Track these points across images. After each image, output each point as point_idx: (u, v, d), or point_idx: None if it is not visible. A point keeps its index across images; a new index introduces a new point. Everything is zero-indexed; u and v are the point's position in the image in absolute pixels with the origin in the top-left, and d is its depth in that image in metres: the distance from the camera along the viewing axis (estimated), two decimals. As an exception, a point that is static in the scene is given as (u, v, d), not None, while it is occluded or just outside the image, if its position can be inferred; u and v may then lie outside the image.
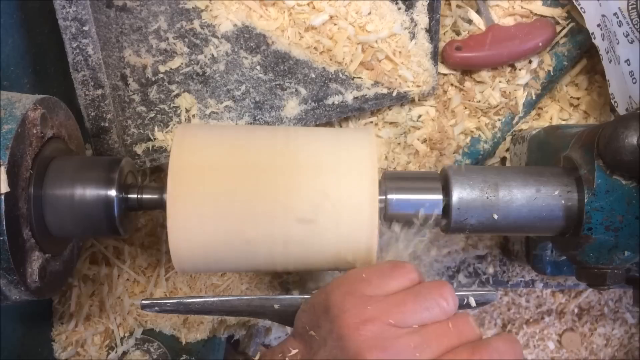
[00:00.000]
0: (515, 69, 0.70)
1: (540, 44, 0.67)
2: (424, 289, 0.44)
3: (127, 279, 0.72)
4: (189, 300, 0.57)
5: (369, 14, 0.65)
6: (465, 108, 0.70)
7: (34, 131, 0.48)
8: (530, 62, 0.70)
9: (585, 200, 0.48)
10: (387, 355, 0.39)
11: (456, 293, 0.48)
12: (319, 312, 0.44)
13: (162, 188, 0.51)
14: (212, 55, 0.64)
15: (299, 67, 0.65)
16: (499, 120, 0.70)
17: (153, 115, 0.64)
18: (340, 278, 0.46)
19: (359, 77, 0.66)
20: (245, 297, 0.52)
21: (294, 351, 0.45)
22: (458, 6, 0.71)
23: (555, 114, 0.72)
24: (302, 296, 0.49)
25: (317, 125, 0.66)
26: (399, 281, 0.44)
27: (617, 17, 0.61)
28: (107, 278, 0.71)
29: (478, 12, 0.70)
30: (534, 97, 0.70)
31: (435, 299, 0.43)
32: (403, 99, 0.67)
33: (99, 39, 0.59)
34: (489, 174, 0.50)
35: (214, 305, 0.52)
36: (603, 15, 0.63)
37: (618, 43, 0.61)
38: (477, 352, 0.40)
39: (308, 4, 0.65)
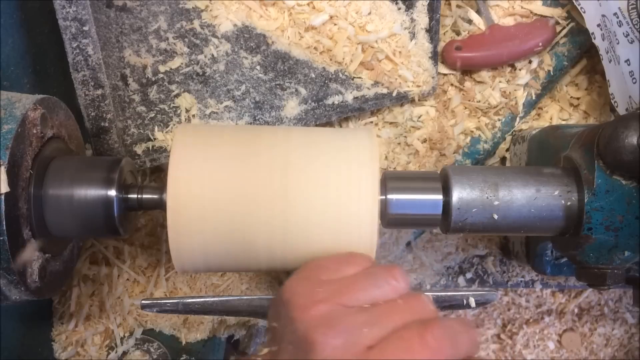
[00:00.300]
0: (515, 69, 0.70)
1: (540, 44, 0.67)
2: (374, 269, 0.44)
3: (127, 279, 0.72)
4: (189, 300, 0.57)
5: (369, 14, 0.65)
6: (465, 108, 0.70)
7: (34, 131, 0.48)
8: (530, 62, 0.70)
9: (585, 200, 0.48)
10: (335, 333, 0.39)
11: (456, 293, 0.48)
12: (278, 302, 0.44)
13: (162, 188, 0.51)
14: (212, 55, 0.64)
15: (299, 67, 0.65)
16: (499, 120, 0.70)
17: (153, 115, 0.64)
18: (301, 267, 0.46)
19: (359, 77, 0.66)
20: (245, 297, 0.52)
21: (265, 350, 0.44)
22: (458, 6, 0.71)
23: (555, 114, 0.72)
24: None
25: (317, 125, 0.66)
26: (354, 267, 0.44)
27: (617, 17, 0.61)
28: (107, 278, 0.71)
29: (478, 12, 0.70)
30: (534, 97, 0.70)
31: (386, 278, 0.42)
32: (403, 99, 0.67)
33: (99, 39, 0.59)
34: (489, 174, 0.50)
35: (214, 305, 0.52)
36: (603, 15, 0.63)
37: (618, 43, 0.61)
38: (429, 329, 0.38)
39: (308, 4, 0.65)
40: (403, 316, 0.40)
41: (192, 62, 0.64)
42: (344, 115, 0.66)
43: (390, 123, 0.70)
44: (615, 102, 0.63)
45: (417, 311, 0.41)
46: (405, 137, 0.69)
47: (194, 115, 0.64)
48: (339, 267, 0.44)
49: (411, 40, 0.67)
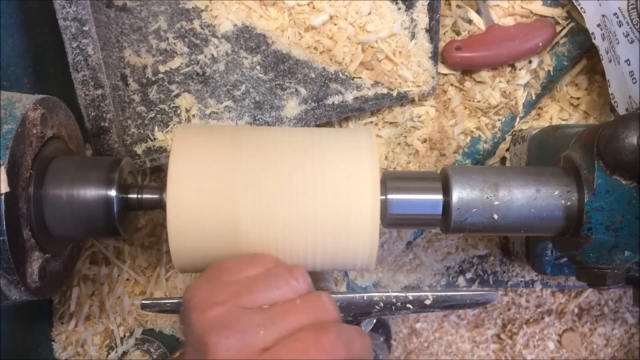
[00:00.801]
0: (515, 69, 0.70)
1: (540, 44, 0.67)
2: (275, 270, 0.43)
3: (127, 279, 0.72)
4: (189, 300, 0.57)
5: (369, 14, 0.65)
6: (465, 108, 0.70)
7: (34, 131, 0.48)
8: (530, 62, 0.70)
9: (585, 200, 0.48)
10: (229, 333, 0.38)
11: (456, 293, 0.48)
12: (183, 305, 0.43)
13: (162, 188, 0.51)
14: (212, 55, 0.64)
15: (299, 67, 0.65)
16: (499, 120, 0.70)
17: (153, 115, 0.64)
18: (205, 269, 0.45)
19: (359, 77, 0.66)
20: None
21: (177, 353, 0.44)
22: (458, 6, 0.71)
23: (555, 114, 0.72)
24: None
25: (317, 125, 0.66)
26: (256, 268, 0.43)
27: (617, 17, 0.61)
28: (107, 278, 0.71)
29: (478, 12, 0.70)
30: (534, 97, 0.70)
31: (286, 279, 0.41)
32: (403, 99, 0.67)
33: (99, 39, 0.59)
34: (489, 174, 0.50)
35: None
36: (603, 15, 0.63)
37: (618, 43, 0.61)
38: (325, 332, 0.38)
39: (308, 4, 0.65)
40: (300, 317, 0.39)
41: (192, 62, 0.64)
42: (344, 115, 0.66)
43: (390, 123, 0.70)
44: (615, 102, 0.63)
45: (316, 312, 0.40)
46: (405, 137, 0.69)
47: (194, 115, 0.64)
48: (241, 268, 0.43)
49: (411, 40, 0.67)
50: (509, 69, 0.70)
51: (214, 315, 0.39)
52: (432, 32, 0.67)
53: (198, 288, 0.42)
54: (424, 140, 0.69)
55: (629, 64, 0.61)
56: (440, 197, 0.50)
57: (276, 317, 0.39)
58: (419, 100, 0.68)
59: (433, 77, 0.67)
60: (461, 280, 0.76)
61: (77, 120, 0.58)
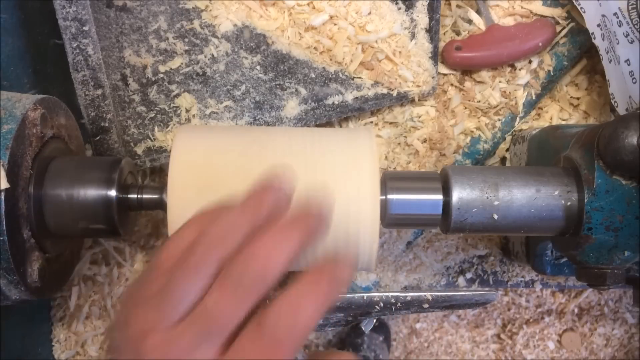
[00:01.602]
0: (515, 69, 0.70)
1: (540, 44, 0.67)
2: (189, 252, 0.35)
3: (127, 279, 0.72)
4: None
5: (369, 14, 0.65)
6: (465, 108, 0.70)
7: (34, 131, 0.48)
8: (530, 62, 0.70)
9: (585, 200, 0.48)
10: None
11: (456, 293, 0.48)
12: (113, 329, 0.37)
13: (162, 188, 0.51)
14: (212, 55, 0.64)
15: (299, 67, 0.65)
16: (499, 120, 0.70)
17: (153, 115, 0.64)
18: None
19: (359, 77, 0.66)
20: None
21: None
22: (458, 6, 0.71)
23: (555, 114, 0.72)
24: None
25: (317, 125, 0.66)
26: (167, 261, 0.36)
27: (617, 17, 0.61)
28: (107, 278, 0.71)
29: (478, 12, 0.70)
30: (534, 97, 0.70)
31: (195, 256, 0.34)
32: (403, 99, 0.67)
33: (99, 39, 0.59)
34: (489, 174, 0.50)
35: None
36: (603, 15, 0.63)
37: (618, 43, 0.61)
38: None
39: (308, 4, 0.65)
40: (230, 307, 0.33)
41: (192, 62, 0.64)
42: (344, 115, 0.66)
43: (390, 123, 0.70)
44: (615, 102, 0.63)
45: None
46: (405, 137, 0.69)
47: (194, 115, 0.64)
48: (153, 272, 0.36)
49: (411, 40, 0.67)
50: (509, 69, 0.70)
51: (147, 351, 0.33)
52: (432, 32, 0.67)
53: (122, 313, 0.36)
54: (424, 140, 0.69)
55: (629, 64, 0.61)
56: (440, 197, 0.50)
57: (204, 321, 0.32)
58: (419, 100, 0.68)
59: (433, 77, 0.67)
60: (461, 280, 0.76)
61: (77, 120, 0.58)
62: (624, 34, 0.61)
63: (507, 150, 0.71)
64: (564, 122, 0.72)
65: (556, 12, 0.69)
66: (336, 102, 0.66)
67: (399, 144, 0.70)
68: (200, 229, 0.35)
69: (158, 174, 0.70)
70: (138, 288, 0.36)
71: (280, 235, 0.34)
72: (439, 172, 0.52)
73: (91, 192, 0.50)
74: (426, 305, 0.56)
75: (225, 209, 0.36)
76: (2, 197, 0.44)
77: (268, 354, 0.32)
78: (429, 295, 0.55)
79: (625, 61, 0.61)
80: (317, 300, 0.33)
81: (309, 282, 0.33)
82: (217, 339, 0.32)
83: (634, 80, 0.61)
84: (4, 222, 0.44)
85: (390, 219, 0.50)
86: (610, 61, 0.63)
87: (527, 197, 0.49)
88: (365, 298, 0.48)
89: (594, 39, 0.64)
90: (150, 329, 0.33)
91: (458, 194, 0.49)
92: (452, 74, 0.70)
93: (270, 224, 0.35)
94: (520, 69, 0.70)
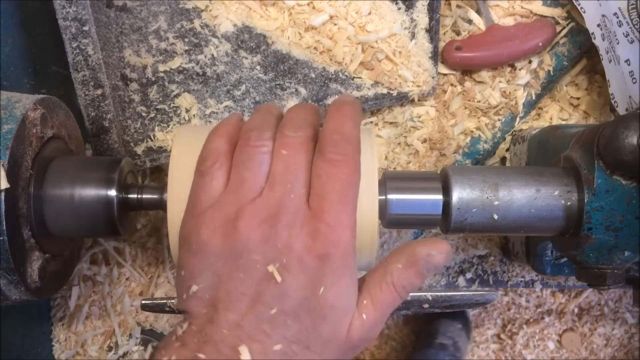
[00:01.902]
0: (515, 69, 0.70)
1: (540, 44, 0.67)
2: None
3: (127, 279, 0.72)
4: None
5: (369, 14, 0.65)
6: (465, 108, 0.70)
7: (34, 131, 0.48)
8: (530, 62, 0.70)
9: (585, 200, 0.48)
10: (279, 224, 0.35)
11: (456, 293, 0.48)
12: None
13: (162, 188, 0.51)
14: (212, 55, 0.64)
15: (299, 67, 0.65)
16: (499, 120, 0.70)
17: (153, 115, 0.64)
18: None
19: (359, 77, 0.66)
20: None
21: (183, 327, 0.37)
22: (458, 6, 0.71)
23: (555, 114, 0.72)
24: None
25: (317, 125, 0.66)
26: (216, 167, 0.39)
27: (617, 17, 0.61)
28: (107, 278, 0.71)
29: (478, 12, 0.70)
30: (534, 97, 0.70)
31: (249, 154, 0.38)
32: (403, 99, 0.67)
33: (99, 39, 0.59)
34: (489, 174, 0.50)
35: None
36: (603, 15, 0.63)
37: (618, 43, 0.61)
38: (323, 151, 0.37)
39: (308, 4, 0.65)
40: (298, 157, 0.37)
41: (192, 62, 0.64)
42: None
43: (390, 123, 0.70)
44: (615, 102, 0.63)
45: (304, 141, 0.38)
46: (405, 137, 0.69)
47: (194, 115, 0.64)
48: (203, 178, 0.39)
49: (411, 40, 0.67)
50: (509, 69, 0.70)
51: (258, 232, 0.35)
52: (432, 32, 0.67)
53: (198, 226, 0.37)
54: (424, 140, 0.69)
55: (629, 64, 0.61)
56: (440, 197, 0.50)
57: (283, 178, 0.36)
58: (419, 100, 0.68)
59: (433, 77, 0.67)
60: (461, 280, 0.76)
61: (77, 120, 0.58)
62: (624, 34, 0.61)
63: (507, 150, 0.71)
64: (564, 122, 0.72)
65: (556, 12, 0.70)
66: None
67: (399, 144, 0.70)
68: (232, 133, 0.40)
69: (158, 174, 0.70)
70: (195, 202, 0.38)
71: (296, 109, 0.41)
72: (439, 172, 0.52)
73: (91, 192, 0.50)
74: (426, 305, 0.56)
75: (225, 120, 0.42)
76: (2, 197, 0.44)
77: (339, 166, 0.36)
78: (428, 295, 0.55)
79: (625, 61, 0.61)
80: (349, 117, 0.39)
81: (334, 110, 0.39)
82: (300, 185, 0.36)
83: (634, 80, 0.61)
84: (4, 222, 0.44)
85: (390, 219, 0.50)
86: (610, 61, 0.63)
87: (527, 197, 0.49)
88: (365, 298, 0.48)
89: (594, 39, 0.64)
90: (238, 209, 0.36)
91: (458, 194, 0.49)
92: (452, 74, 0.70)
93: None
94: (520, 69, 0.70)
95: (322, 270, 0.35)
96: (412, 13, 0.67)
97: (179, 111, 0.64)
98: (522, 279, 0.77)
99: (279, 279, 0.34)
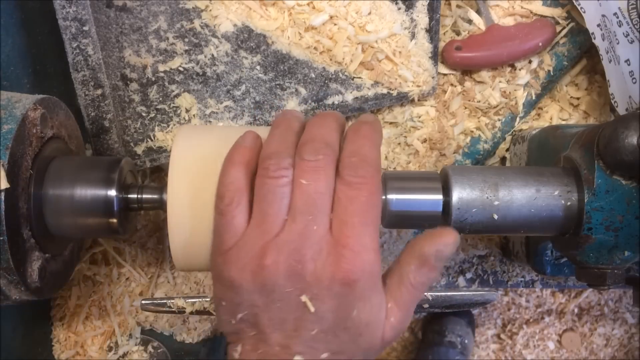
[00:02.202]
0: (515, 69, 0.70)
1: (540, 44, 0.67)
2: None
3: (127, 279, 0.72)
4: (189, 300, 0.57)
5: (369, 14, 0.65)
6: (465, 108, 0.70)
7: (34, 131, 0.48)
8: (530, 62, 0.70)
9: (585, 200, 0.48)
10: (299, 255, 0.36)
11: (456, 293, 0.48)
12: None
13: (162, 188, 0.51)
14: (212, 55, 0.64)
15: (299, 67, 0.65)
16: (499, 120, 0.70)
17: (153, 115, 0.64)
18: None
19: (359, 77, 0.66)
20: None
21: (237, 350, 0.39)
22: (458, 6, 0.71)
23: (555, 114, 0.72)
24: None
25: (317, 125, 0.66)
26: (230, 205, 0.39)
27: (617, 17, 0.61)
28: (107, 278, 0.71)
29: (478, 12, 0.70)
30: (534, 97, 0.70)
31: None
32: (403, 99, 0.67)
33: (99, 39, 0.59)
34: (489, 174, 0.50)
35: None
36: (603, 15, 0.63)
37: (618, 43, 0.61)
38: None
39: (308, 4, 0.65)
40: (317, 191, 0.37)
41: (192, 62, 0.64)
42: (344, 116, 0.66)
43: (390, 123, 0.70)
44: (615, 102, 0.63)
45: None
46: (405, 137, 0.69)
47: (194, 115, 0.64)
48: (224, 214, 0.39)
49: (411, 40, 0.67)
50: (509, 69, 0.70)
51: (274, 266, 0.36)
52: (432, 32, 0.67)
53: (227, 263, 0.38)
54: (424, 140, 0.69)
55: (629, 64, 0.61)
56: (440, 197, 0.50)
57: (306, 208, 0.36)
58: (419, 100, 0.68)
59: (433, 77, 0.67)
60: (461, 280, 0.76)
61: (77, 120, 0.58)
62: (624, 34, 0.61)
63: (507, 150, 0.71)
64: (564, 122, 0.72)
65: (556, 12, 0.70)
66: (336, 102, 0.66)
67: (399, 144, 0.70)
68: (249, 160, 0.40)
69: (158, 174, 0.70)
70: (220, 241, 0.39)
71: (318, 122, 0.40)
72: (439, 172, 0.52)
73: (91, 192, 0.50)
74: (426, 305, 0.56)
75: (238, 144, 0.41)
76: (2, 197, 0.44)
77: (359, 189, 0.37)
78: (429, 295, 0.55)
79: (625, 61, 0.61)
80: (368, 138, 0.39)
81: (353, 132, 0.39)
82: (322, 214, 0.37)
83: (634, 80, 0.61)
84: (4, 222, 0.44)
85: (390, 219, 0.50)
86: (610, 61, 0.63)
87: (527, 197, 0.49)
88: (365, 298, 0.48)
89: (594, 39, 0.64)
90: (263, 246, 0.36)
91: (458, 194, 0.49)
92: (452, 74, 0.70)
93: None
94: (520, 69, 0.70)
95: (353, 295, 0.37)
96: (412, 13, 0.67)
97: (179, 111, 0.64)
98: (522, 279, 0.77)
99: (312, 309, 0.36)
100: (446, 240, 0.39)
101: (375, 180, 0.37)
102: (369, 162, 0.37)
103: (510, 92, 0.70)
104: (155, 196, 0.52)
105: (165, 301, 0.57)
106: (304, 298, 0.36)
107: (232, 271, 0.37)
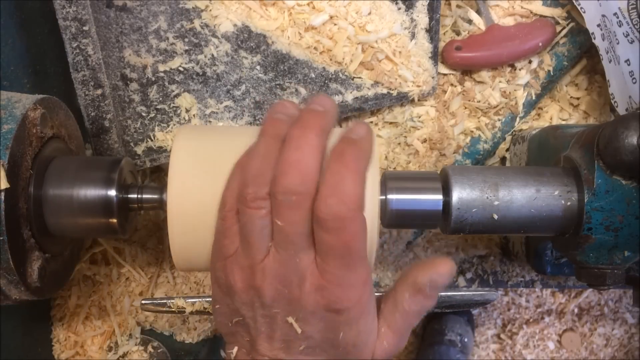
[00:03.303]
0: (515, 69, 0.70)
1: (540, 44, 0.67)
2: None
3: (127, 279, 0.72)
4: (189, 300, 0.57)
5: (369, 14, 0.65)
6: (465, 108, 0.70)
7: (34, 131, 0.48)
8: (530, 62, 0.70)
9: (585, 200, 0.48)
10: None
11: (456, 293, 0.48)
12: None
13: (162, 188, 0.51)
14: (212, 55, 0.64)
15: (299, 67, 0.65)
16: (499, 120, 0.70)
17: (153, 115, 0.64)
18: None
19: (359, 77, 0.66)
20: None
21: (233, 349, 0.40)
22: (458, 6, 0.71)
23: (555, 114, 0.72)
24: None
25: (317, 125, 0.66)
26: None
27: (617, 17, 0.61)
28: (107, 278, 0.71)
29: (478, 12, 0.70)
30: (534, 97, 0.70)
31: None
32: (403, 99, 0.67)
33: (99, 39, 0.59)
34: (489, 174, 0.50)
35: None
36: (603, 15, 0.63)
37: (618, 43, 0.61)
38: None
39: (308, 4, 0.65)
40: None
41: (192, 62, 0.64)
42: (344, 116, 0.66)
43: (390, 123, 0.70)
44: (615, 102, 0.63)
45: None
46: (405, 137, 0.69)
47: (194, 115, 0.64)
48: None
49: (411, 40, 0.67)
50: (509, 69, 0.70)
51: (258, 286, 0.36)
52: (432, 32, 0.67)
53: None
54: (424, 140, 0.69)
55: (629, 64, 0.61)
56: (440, 197, 0.50)
57: (284, 244, 0.35)
58: (419, 100, 0.68)
59: (433, 77, 0.67)
60: (461, 280, 0.76)
61: (77, 120, 0.58)
62: (624, 34, 0.61)
63: (507, 150, 0.71)
64: (564, 122, 0.72)
65: (556, 12, 0.69)
66: (336, 102, 0.66)
67: (399, 144, 0.70)
68: (240, 175, 0.37)
69: (158, 174, 0.70)
70: (220, 246, 0.38)
71: (295, 143, 0.35)
72: (439, 172, 0.52)
73: (91, 192, 0.50)
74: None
75: (250, 149, 0.38)
76: (2, 197, 0.44)
77: (338, 234, 0.34)
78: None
79: (625, 61, 0.61)
80: (351, 168, 0.35)
81: (336, 157, 0.35)
82: (304, 248, 0.35)
83: (634, 80, 0.61)
84: (4, 222, 0.44)
85: (390, 219, 0.50)
86: (610, 61, 0.63)
87: (527, 197, 0.49)
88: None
89: (594, 39, 0.64)
90: (251, 266, 0.36)
91: (458, 194, 0.49)
92: (452, 74, 0.70)
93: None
94: (520, 69, 0.70)
95: (338, 320, 0.37)
96: (412, 13, 0.67)
97: (179, 111, 0.64)
98: (522, 279, 0.77)
99: (298, 330, 0.36)
100: (441, 270, 0.39)
101: (356, 220, 0.35)
102: (348, 203, 0.34)
103: (510, 92, 0.70)
104: (155, 196, 0.52)
105: (165, 301, 0.57)
106: (290, 319, 0.36)
107: (229, 278, 0.37)
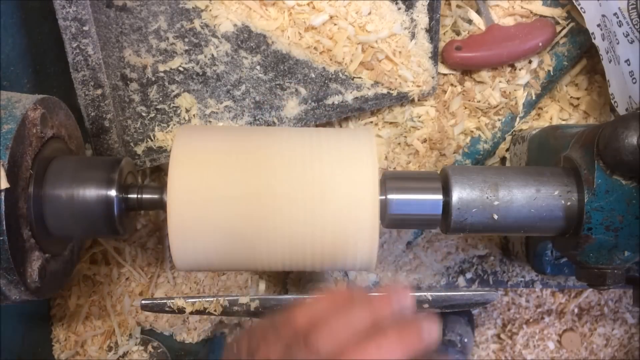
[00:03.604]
0: (515, 69, 0.70)
1: (540, 44, 0.67)
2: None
3: (127, 279, 0.72)
4: (189, 300, 0.57)
5: (369, 14, 0.65)
6: (465, 108, 0.70)
7: (34, 131, 0.48)
8: (530, 62, 0.70)
9: (585, 200, 0.48)
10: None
11: (456, 293, 0.48)
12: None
13: (162, 188, 0.51)
14: (212, 55, 0.64)
15: (299, 67, 0.65)
16: (499, 120, 0.70)
17: (153, 115, 0.64)
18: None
19: (359, 77, 0.66)
20: (245, 298, 0.52)
21: None
22: (458, 6, 0.71)
23: (555, 114, 0.72)
24: (301, 296, 0.49)
25: (317, 125, 0.66)
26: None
27: (617, 17, 0.61)
28: (107, 278, 0.71)
29: (478, 12, 0.70)
30: (534, 97, 0.70)
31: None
32: (403, 99, 0.67)
33: (99, 39, 0.59)
34: (489, 174, 0.50)
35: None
36: (603, 15, 0.63)
37: (618, 43, 0.61)
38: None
39: (308, 4, 0.65)
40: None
41: (192, 62, 0.64)
42: (344, 115, 0.66)
43: (390, 123, 0.70)
44: (615, 102, 0.63)
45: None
46: (405, 137, 0.69)
47: (194, 115, 0.64)
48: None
49: (411, 40, 0.67)
50: (509, 69, 0.70)
51: None
52: (432, 32, 0.67)
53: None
54: (424, 140, 0.69)
55: (629, 64, 0.61)
56: (440, 197, 0.50)
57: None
58: (419, 100, 0.68)
59: (433, 77, 0.67)
60: (461, 280, 0.76)
61: (77, 120, 0.58)
62: (624, 34, 0.61)
63: (507, 150, 0.71)
64: (564, 122, 0.72)
65: (556, 12, 0.69)
66: (336, 102, 0.66)
67: (399, 144, 0.70)
68: (329, 308, 0.39)
69: (158, 174, 0.70)
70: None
71: (387, 343, 0.36)
72: (438, 172, 0.52)
73: (91, 192, 0.50)
74: (426, 305, 0.56)
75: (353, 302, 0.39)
76: (2, 197, 0.44)
77: None
78: (429, 295, 0.55)
79: (625, 61, 0.61)
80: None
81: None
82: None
83: (634, 80, 0.61)
84: (4, 222, 0.44)
85: (390, 219, 0.50)
86: (610, 61, 0.63)
87: (527, 197, 0.49)
88: (365, 298, 0.48)
89: (594, 39, 0.64)
90: None
91: (458, 194, 0.49)
92: (452, 74, 0.70)
93: (384, 327, 0.37)
94: (520, 69, 0.70)
95: None
96: (412, 13, 0.67)
97: (179, 111, 0.64)
98: (522, 279, 0.77)
99: None
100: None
101: None
102: None
103: (510, 92, 0.70)
104: (155, 196, 0.52)
105: (165, 301, 0.57)
106: None
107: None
